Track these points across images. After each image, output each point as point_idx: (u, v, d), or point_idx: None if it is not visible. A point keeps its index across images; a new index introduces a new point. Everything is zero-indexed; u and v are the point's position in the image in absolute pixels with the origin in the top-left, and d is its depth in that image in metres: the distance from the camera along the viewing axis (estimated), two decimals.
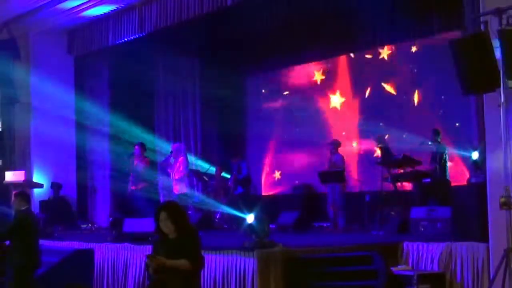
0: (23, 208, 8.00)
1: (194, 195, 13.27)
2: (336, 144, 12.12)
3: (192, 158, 14.35)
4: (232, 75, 15.04)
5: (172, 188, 12.48)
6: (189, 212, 12.09)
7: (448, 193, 9.33)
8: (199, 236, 5.79)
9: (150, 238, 9.25)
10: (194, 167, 14.25)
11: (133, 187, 12.55)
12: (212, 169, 14.02)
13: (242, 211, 12.49)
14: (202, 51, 15.02)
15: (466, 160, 10.77)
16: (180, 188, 11.82)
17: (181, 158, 11.82)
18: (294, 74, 15.25)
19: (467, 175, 10.27)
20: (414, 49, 12.93)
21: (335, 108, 14.46)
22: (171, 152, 12.41)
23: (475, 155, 9.43)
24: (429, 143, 10.99)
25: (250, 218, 8.16)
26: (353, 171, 13.30)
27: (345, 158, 12.11)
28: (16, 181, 13.23)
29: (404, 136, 12.73)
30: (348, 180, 12.28)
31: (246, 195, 13.32)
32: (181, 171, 11.95)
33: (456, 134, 11.79)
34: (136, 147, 12.86)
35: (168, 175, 12.72)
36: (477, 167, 8.88)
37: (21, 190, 9.95)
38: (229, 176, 14.28)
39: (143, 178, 12.55)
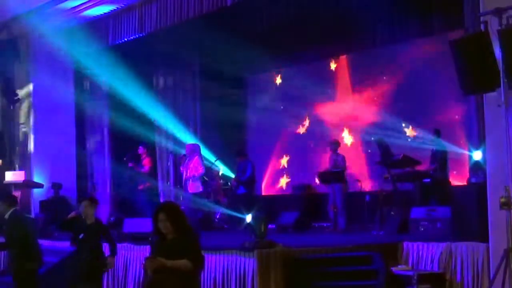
0: (10, 211, 7.84)
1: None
2: (336, 144, 12.12)
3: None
4: (232, 75, 15.04)
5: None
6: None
7: (448, 193, 9.32)
8: (198, 235, 5.79)
9: (150, 238, 9.26)
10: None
11: (140, 187, 12.57)
12: (218, 162, 14.00)
13: (242, 212, 12.49)
14: (202, 51, 15.01)
15: (466, 160, 10.76)
16: (196, 188, 11.79)
17: (196, 157, 11.79)
18: (294, 74, 15.24)
19: (467, 175, 10.25)
20: (414, 48, 12.93)
21: (335, 107, 14.47)
22: (184, 154, 12.28)
23: (476, 155, 9.41)
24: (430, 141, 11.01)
25: (248, 218, 8.17)
26: (354, 171, 13.30)
27: (346, 158, 12.12)
28: (16, 181, 13.23)
29: (404, 135, 12.75)
30: (348, 180, 12.26)
31: (248, 196, 13.34)
32: (196, 170, 11.88)
33: (456, 134, 11.79)
34: (140, 147, 12.86)
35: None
36: (479, 167, 8.86)
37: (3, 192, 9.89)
38: (229, 175, 14.28)
39: (147, 178, 12.59)
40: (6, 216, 7.88)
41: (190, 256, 5.49)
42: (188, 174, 11.62)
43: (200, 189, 11.74)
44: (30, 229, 8.04)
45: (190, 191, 11.73)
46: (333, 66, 14.61)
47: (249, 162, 13.52)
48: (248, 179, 13.13)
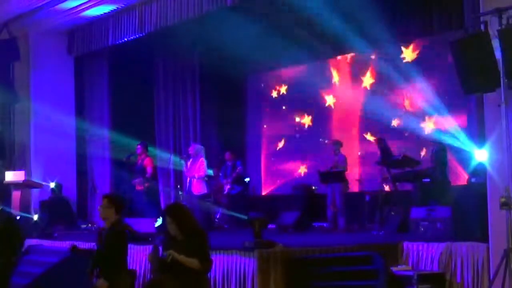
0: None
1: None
2: (338, 144, 12.11)
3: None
4: (232, 74, 15.03)
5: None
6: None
7: (448, 193, 9.32)
8: (207, 237, 5.83)
9: (150, 238, 9.27)
10: None
11: (139, 187, 12.53)
12: (210, 171, 14.02)
13: (240, 212, 12.52)
14: (202, 51, 15.01)
15: (466, 160, 10.76)
16: (201, 189, 11.76)
17: (201, 159, 11.79)
18: (294, 73, 15.23)
19: (467, 175, 10.25)
20: (414, 48, 12.92)
21: (335, 107, 14.46)
22: (188, 154, 12.28)
23: (477, 155, 9.40)
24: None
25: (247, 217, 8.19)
26: (354, 171, 13.29)
27: (347, 158, 12.10)
28: (16, 181, 13.24)
29: (404, 136, 12.75)
30: (348, 180, 12.25)
31: (244, 195, 13.36)
32: (201, 172, 11.88)
33: (456, 134, 11.78)
34: (138, 146, 12.85)
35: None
36: (479, 167, 8.85)
37: None
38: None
39: (147, 178, 12.56)
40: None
41: (199, 257, 5.55)
42: (192, 174, 11.61)
43: (205, 190, 11.75)
44: (20, 228, 7.98)
45: (194, 192, 11.73)
46: (332, 65, 14.60)
47: (238, 160, 13.58)
48: (238, 176, 13.19)
